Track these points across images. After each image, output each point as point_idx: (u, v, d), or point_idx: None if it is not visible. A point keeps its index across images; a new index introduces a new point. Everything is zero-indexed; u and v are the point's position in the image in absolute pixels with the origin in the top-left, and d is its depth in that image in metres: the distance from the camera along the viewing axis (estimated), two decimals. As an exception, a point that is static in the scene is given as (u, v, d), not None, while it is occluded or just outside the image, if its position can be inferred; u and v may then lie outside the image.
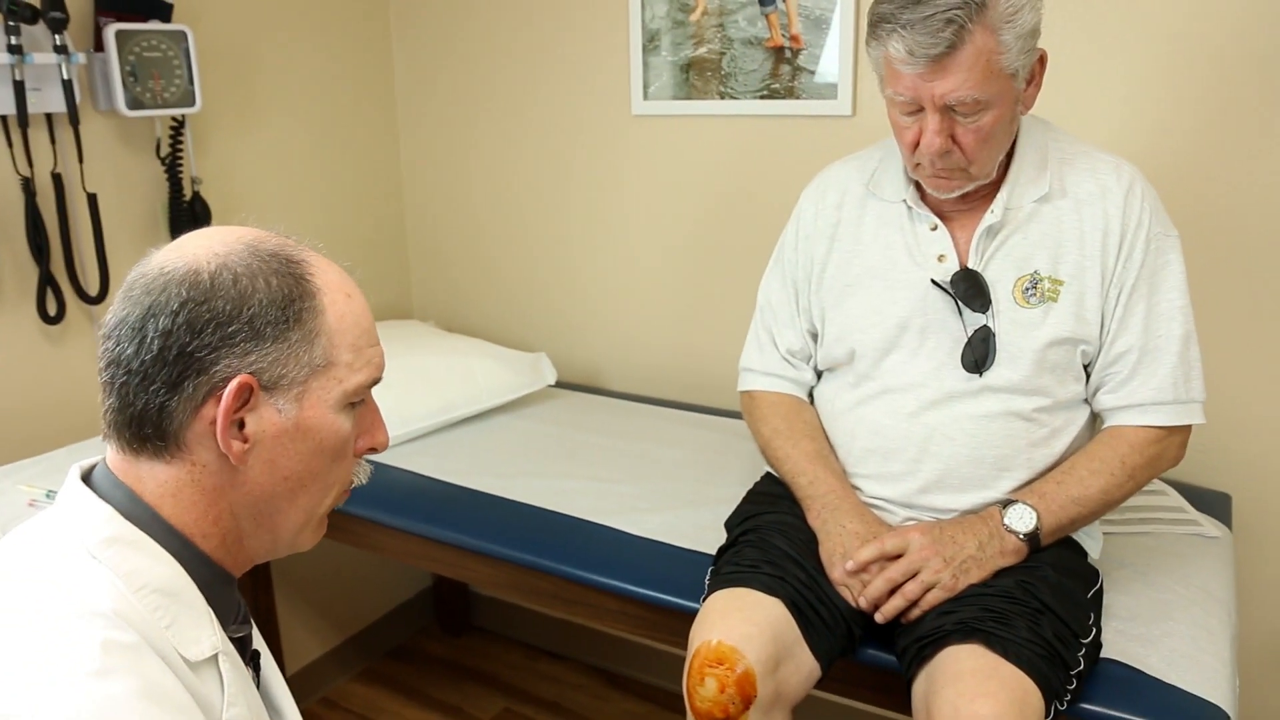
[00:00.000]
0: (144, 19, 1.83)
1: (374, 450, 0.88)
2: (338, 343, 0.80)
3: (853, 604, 1.29)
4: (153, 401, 0.75)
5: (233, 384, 0.75)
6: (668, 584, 1.47)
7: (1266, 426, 1.72)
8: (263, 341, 0.76)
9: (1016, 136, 1.32)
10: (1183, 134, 1.68)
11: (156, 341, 0.74)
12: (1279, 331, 1.68)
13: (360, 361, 0.82)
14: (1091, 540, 1.39)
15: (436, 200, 2.53)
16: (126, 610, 0.72)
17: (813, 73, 1.94)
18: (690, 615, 1.30)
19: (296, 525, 0.84)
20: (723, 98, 2.06)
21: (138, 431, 0.77)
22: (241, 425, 0.77)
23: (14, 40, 1.63)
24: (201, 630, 0.77)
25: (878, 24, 1.21)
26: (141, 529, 0.77)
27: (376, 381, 0.85)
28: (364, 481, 0.90)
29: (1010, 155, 1.32)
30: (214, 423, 0.75)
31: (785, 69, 1.97)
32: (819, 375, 1.51)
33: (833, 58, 1.91)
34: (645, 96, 2.14)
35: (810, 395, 1.52)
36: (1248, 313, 1.69)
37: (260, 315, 0.75)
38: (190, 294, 0.74)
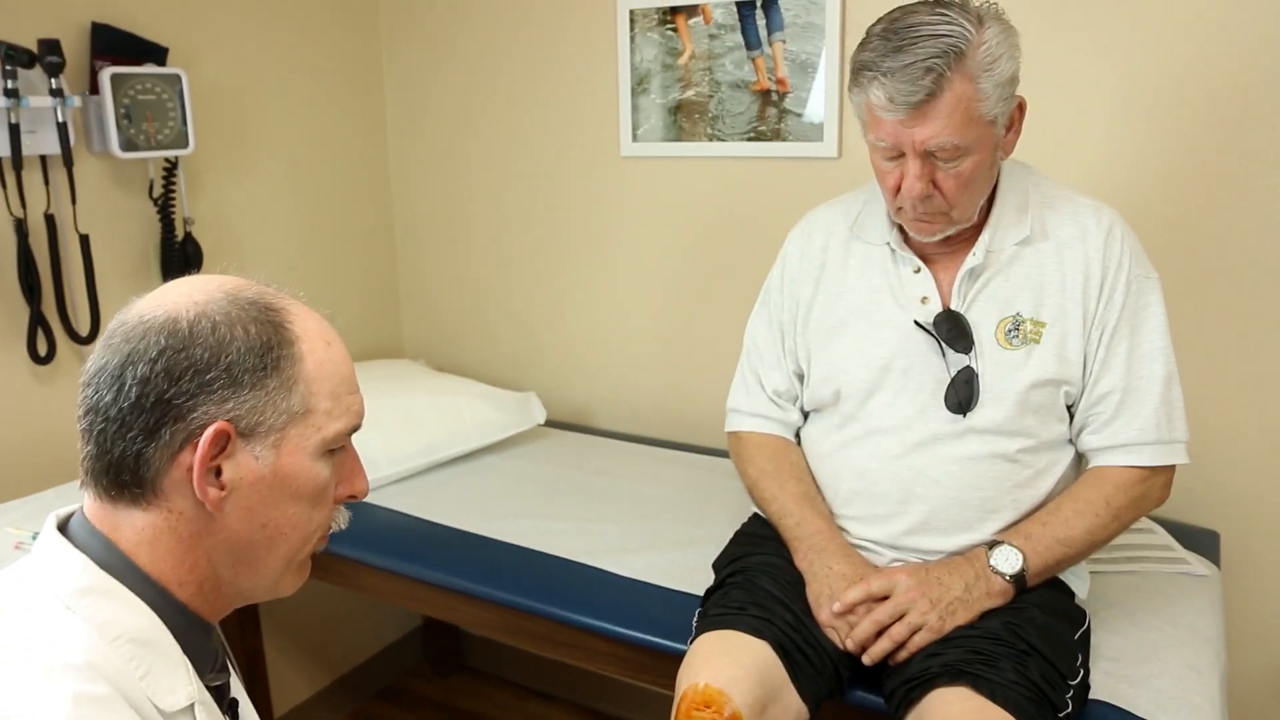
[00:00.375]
0: (139, 63, 1.86)
1: (354, 497, 0.88)
2: (316, 390, 0.80)
3: (840, 646, 1.28)
4: (130, 449, 0.75)
5: (209, 431, 0.75)
6: (656, 626, 1.47)
7: (1254, 463, 1.73)
8: (240, 389, 0.76)
9: (998, 180, 1.34)
10: (1161, 172, 1.71)
11: (134, 389, 0.74)
12: (1265, 368, 1.69)
13: (339, 409, 0.82)
14: (1079, 580, 1.39)
15: (427, 240, 2.55)
16: (100, 661, 0.72)
17: (799, 115, 1.97)
18: (678, 657, 1.30)
19: (276, 572, 0.84)
20: (711, 140, 2.08)
21: (115, 478, 0.77)
22: (219, 473, 0.77)
23: (10, 84, 1.65)
24: (177, 680, 0.77)
25: (859, 71, 1.23)
26: (117, 578, 0.77)
27: (356, 429, 0.85)
28: (343, 527, 0.90)
29: (992, 199, 1.34)
30: (191, 470, 0.76)
31: (772, 111, 2.00)
32: (805, 416, 1.51)
33: (819, 101, 1.94)
34: (634, 138, 2.17)
35: (797, 436, 1.52)
36: (1235, 350, 1.71)
37: (238, 363, 0.76)
38: (169, 341, 0.75)
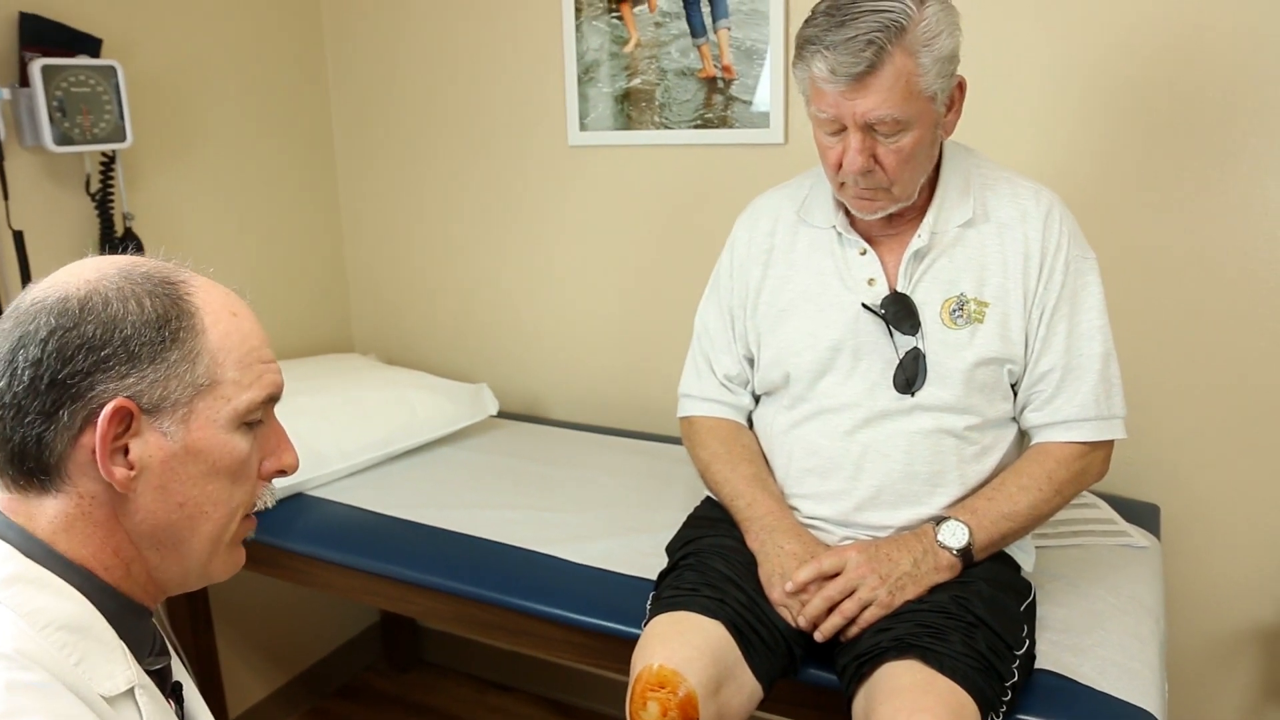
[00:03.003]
0: (71, 54, 1.81)
1: (283, 472, 0.87)
2: (222, 360, 0.78)
3: (792, 624, 1.30)
4: (29, 434, 0.74)
5: (107, 409, 0.73)
6: (611, 611, 1.47)
7: (1192, 439, 1.78)
8: (139, 364, 0.74)
9: (941, 163, 1.36)
10: (1094, 157, 1.74)
11: (27, 372, 0.73)
12: (1203, 347, 1.74)
13: (249, 378, 0.80)
14: (1024, 554, 1.42)
15: (376, 233, 2.52)
16: (31, 650, 0.70)
17: (747, 103, 1.98)
18: (634, 642, 1.30)
19: (204, 554, 0.82)
20: (658, 128, 2.09)
21: (19, 467, 0.75)
22: (126, 452, 0.75)
23: (-65, 77, 1.61)
24: (115, 665, 0.75)
25: (803, 46, 1.25)
26: (42, 565, 0.75)
27: (273, 399, 0.83)
28: (270, 505, 0.88)
29: (935, 181, 1.36)
30: (94, 451, 0.74)
31: (718, 99, 2.01)
32: (757, 399, 1.53)
33: (765, 87, 1.95)
34: (582, 127, 2.17)
35: (749, 420, 1.54)
36: (1173, 329, 1.75)
37: (134, 337, 0.74)
38: (59, 321, 0.73)
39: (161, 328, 0.76)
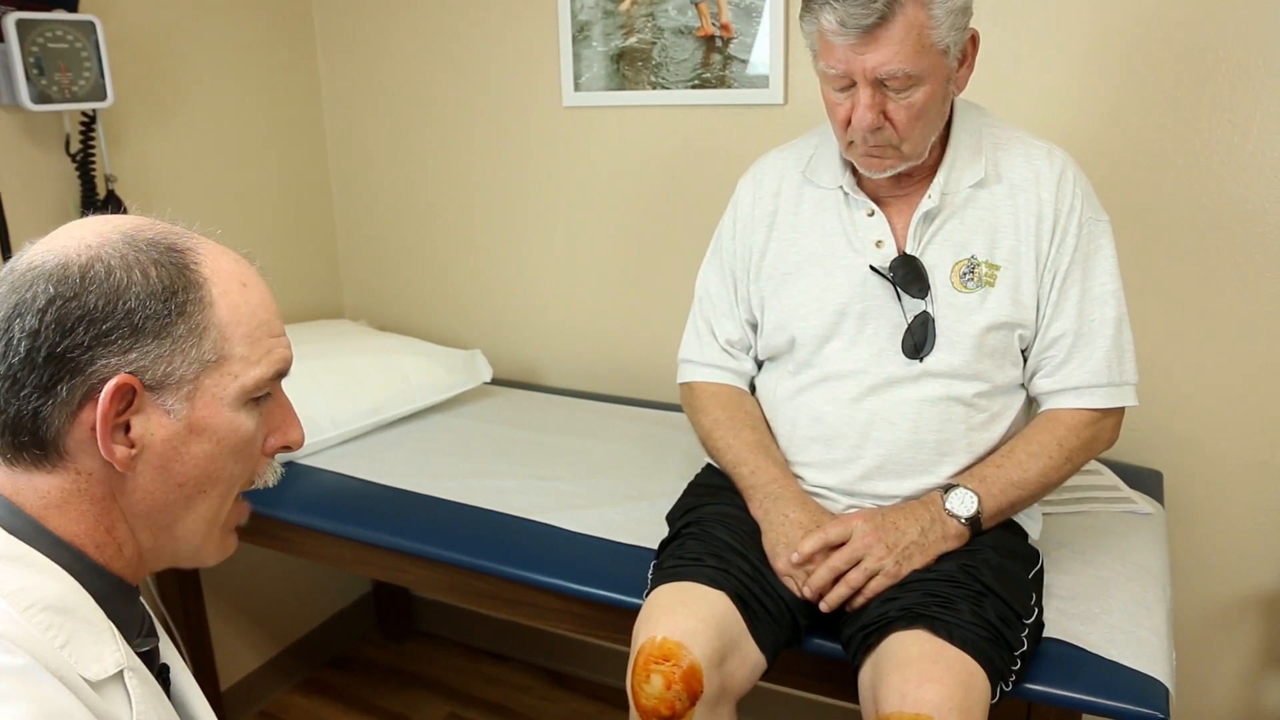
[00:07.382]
0: (47, 8, 1.74)
1: (287, 449, 0.83)
2: (230, 335, 0.75)
3: (797, 594, 1.27)
4: (25, 407, 0.70)
5: (109, 385, 0.69)
6: (610, 580, 1.45)
7: (1196, 405, 1.76)
8: (143, 338, 0.70)
9: (951, 122, 1.32)
10: (1104, 118, 1.71)
11: (23, 343, 0.69)
12: (1207, 312, 1.72)
13: (258, 354, 0.77)
14: (1032, 521, 1.40)
15: (366, 196, 2.47)
16: (13, 632, 0.67)
17: (745, 62, 1.93)
18: (633, 611, 1.28)
19: (198, 536, 0.79)
20: (655, 88, 2.03)
21: (12, 440, 0.71)
22: (128, 429, 0.72)
23: (-95, 31, 1.54)
24: (103, 647, 0.72)
25: None
26: (27, 543, 0.71)
27: (281, 375, 0.80)
28: (272, 484, 0.85)
29: (945, 140, 1.32)
30: (94, 428, 0.70)
31: (716, 58, 1.96)
32: (759, 365, 1.49)
33: (764, 47, 1.90)
34: (576, 88, 2.11)
35: (751, 385, 1.50)
36: (1177, 293, 1.73)
37: (139, 309, 0.70)
38: (58, 290, 0.69)
39: (167, 300, 0.71)
